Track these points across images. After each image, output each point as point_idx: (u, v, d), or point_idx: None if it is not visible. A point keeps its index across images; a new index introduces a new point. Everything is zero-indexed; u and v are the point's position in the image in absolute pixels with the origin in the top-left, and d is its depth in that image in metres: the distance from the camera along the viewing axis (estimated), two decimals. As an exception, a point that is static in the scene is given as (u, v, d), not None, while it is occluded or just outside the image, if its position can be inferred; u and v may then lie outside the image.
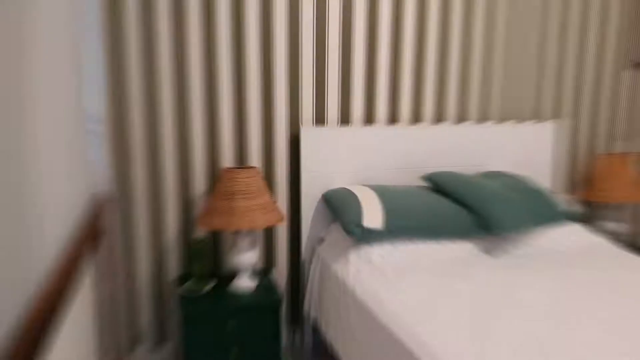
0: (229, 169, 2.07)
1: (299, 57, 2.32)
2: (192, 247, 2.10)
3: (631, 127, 2.92)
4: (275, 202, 2.29)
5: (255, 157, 2.34)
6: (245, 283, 2.15)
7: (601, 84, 2.82)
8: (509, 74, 2.65)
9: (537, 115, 2.74)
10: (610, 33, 2.78)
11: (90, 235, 1.47)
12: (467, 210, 2.14)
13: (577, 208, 2.88)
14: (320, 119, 2.40)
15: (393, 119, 2.50)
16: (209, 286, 2.15)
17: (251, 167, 2.12)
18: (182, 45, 2.16)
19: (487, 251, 2.13)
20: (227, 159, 2.30)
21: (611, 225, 2.64)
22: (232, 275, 2.29)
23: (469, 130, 2.54)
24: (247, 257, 2.12)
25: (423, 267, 1.94)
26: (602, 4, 2.73)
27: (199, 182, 2.28)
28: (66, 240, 1.22)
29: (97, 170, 1.84)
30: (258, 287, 2.17)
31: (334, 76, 2.38)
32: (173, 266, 2.30)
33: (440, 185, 2.25)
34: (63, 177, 1.22)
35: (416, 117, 2.54)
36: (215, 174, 2.29)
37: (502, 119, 2.68)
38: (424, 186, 2.36)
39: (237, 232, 2.12)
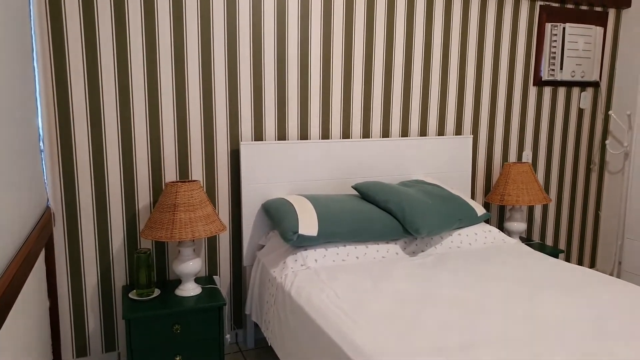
0: (172, 183, 2.21)
1: (237, 76, 2.50)
2: (136, 258, 2.21)
3: (536, 138, 3.30)
4: (217, 213, 2.44)
5: (197, 171, 2.49)
6: (189, 289, 2.29)
7: (512, 100, 3.18)
8: (432, 94, 2.95)
9: (459, 130, 3.05)
10: (519, 55, 3.15)
11: (37, 248, 1.57)
12: (390, 215, 2.38)
13: (488, 211, 3.22)
14: (258, 134, 2.58)
15: (325, 134, 2.73)
16: (154, 294, 2.27)
17: (193, 181, 2.27)
18: (125, 64, 2.28)
19: (409, 252, 2.39)
20: (170, 173, 2.43)
21: (516, 225, 2.98)
22: (177, 282, 2.43)
23: (396, 144, 2.80)
24: (190, 265, 2.27)
25: (353, 268, 2.16)
26: (511, 30, 3.09)
27: (144, 195, 2.40)
28: (13, 252, 1.30)
29: (44, 185, 1.93)
30: (202, 292, 2.32)
31: (270, 95, 2.58)
32: (119, 276, 2.41)
33: (366, 194, 2.49)
34: (11, 190, 1.31)
35: (345, 133, 2.78)
36: (159, 188, 2.42)
37: (424, 133, 2.97)
38: (354, 195, 2.60)
39: (181, 242, 2.26)
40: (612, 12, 3.40)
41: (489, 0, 3.00)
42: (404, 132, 2.92)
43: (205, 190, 2.51)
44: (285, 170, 2.57)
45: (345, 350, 1.52)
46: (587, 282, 1.99)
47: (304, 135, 2.68)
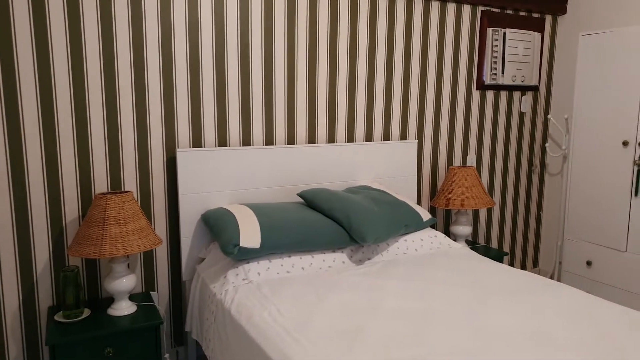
0: (101, 195, 2.05)
1: (173, 78, 2.36)
2: (62, 277, 2.04)
3: (480, 142, 3.34)
4: (152, 225, 2.30)
5: (131, 181, 2.33)
6: (122, 308, 2.13)
7: (456, 104, 3.20)
8: (377, 99, 2.91)
9: (404, 135, 3.03)
10: (462, 60, 3.17)
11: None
12: (337, 223, 2.32)
13: (434, 215, 3.23)
14: (197, 141, 2.45)
15: (269, 140, 2.63)
16: (82, 315, 2.10)
17: (125, 192, 2.12)
18: (47, 65, 2.10)
19: (356, 260, 2.33)
20: (101, 184, 2.26)
21: (462, 229, 3.00)
22: (110, 301, 2.26)
23: (341, 149, 2.75)
24: (124, 283, 2.11)
25: (297, 280, 2.07)
26: (454, 35, 3.11)
27: (72, 208, 2.21)
28: None
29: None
30: (137, 311, 2.16)
31: (209, 98, 2.45)
32: (45, 297, 2.21)
33: (312, 201, 2.42)
34: None
35: (290, 139, 2.69)
36: (89, 200, 2.25)
37: (370, 139, 2.93)
38: (300, 202, 2.52)
39: (113, 258, 2.10)
40: (548, 19, 3.50)
41: (431, 5, 3.00)
42: (350, 138, 2.87)
43: (139, 201, 2.36)
44: (226, 178, 2.45)
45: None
46: (531, 288, 1.99)
47: (246, 141, 2.57)
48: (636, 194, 2.76)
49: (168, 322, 2.51)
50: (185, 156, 2.35)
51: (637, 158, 2.75)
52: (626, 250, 2.84)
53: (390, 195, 2.60)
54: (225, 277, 2.09)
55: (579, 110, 3.05)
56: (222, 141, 2.51)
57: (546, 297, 1.90)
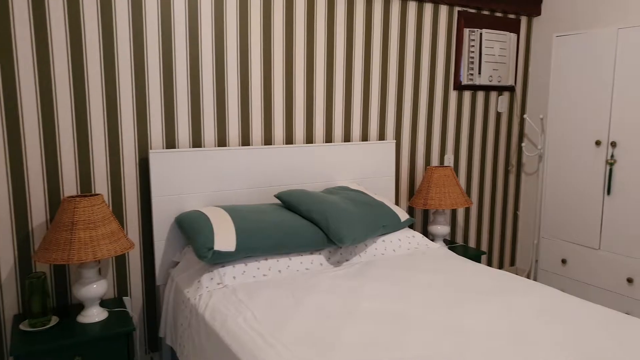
0: (69, 198, 1.98)
1: (145, 76, 2.29)
2: (28, 284, 1.96)
3: (457, 142, 3.35)
4: (124, 229, 2.23)
5: (102, 184, 2.25)
6: (93, 315, 2.06)
7: (433, 104, 3.20)
8: (355, 100, 2.89)
9: (382, 136, 3.02)
10: (439, 60, 3.17)
11: None
12: (314, 224, 2.29)
13: (412, 215, 3.22)
14: (170, 141, 2.39)
15: (245, 141, 2.58)
16: (50, 323, 2.02)
17: (95, 195, 2.05)
18: (11, 63, 2.02)
19: (334, 262, 2.30)
20: (70, 186, 2.19)
21: (440, 229, 3.00)
22: (80, 308, 2.19)
23: (319, 150, 2.72)
24: (94, 289, 2.04)
25: (274, 283, 2.04)
26: (432, 36, 3.10)
27: (39, 212, 2.13)
28: None
29: None
30: (108, 317, 2.10)
31: (183, 98, 2.39)
32: (10, 305, 2.12)
33: (289, 203, 2.38)
34: None
35: (267, 140, 2.65)
36: (57, 203, 2.17)
37: (348, 139, 2.91)
38: (277, 204, 2.48)
39: (82, 264, 2.03)
40: (524, 20, 3.53)
41: (409, 6, 3.00)
42: (328, 138, 2.84)
43: (110, 204, 2.29)
44: (201, 180, 2.40)
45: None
46: (507, 288, 2.00)
47: (221, 141, 2.52)
48: (608, 193, 2.80)
49: (142, 328, 2.44)
50: (159, 157, 2.29)
51: (609, 157, 2.79)
52: (599, 248, 2.88)
53: (368, 195, 2.58)
54: (199, 281, 2.04)
55: (554, 111, 3.08)
56: (197, 142, 2.46)
57: (522, 296, 1.90)
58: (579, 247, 2.98)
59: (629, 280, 2.72)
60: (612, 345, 1.52)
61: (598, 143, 2.83)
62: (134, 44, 2.24)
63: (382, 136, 3.03)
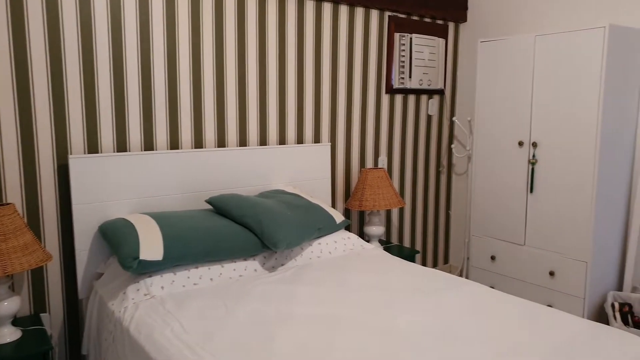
0: (-25, 209, 1.81)
1: (63, 73, 2.15)
2: None
3: (390, 144, 3.41)
4: (41, 240, 2.08)
5: (14, 192, 2.08)
6: (4, 335, 1.90)
7: (367, 107, 3.24)
8: (289, 102, 2.86)
9: (317, 138, 3.01)
10: (371, 64, 3.22)
11: None
12: (247, 229, 2.23)
13: (349, 217, 3.24)
14: (92, 146, 2.26)
15: (174, 144, 2.49)
16: (-45, 347, 1.84)
17: (5, 205, 1.89)
18: None
19: (269, 267, 2.26)
20: (-24, 195, 2.00)
21: (375, 229, 3.04)
22: (-10, 328, 2.00)
23: (253, 153, 2.66)
24: (5, 306, 1.88)
25: (205, 292, 1.96)
26: (363, 40, 3.14)
27: (-62, 225, 1.93)
28: None
29: None
30: (22, 337, 1.94)
31: (106, 100, 2.27)
32: None
33: (221, 208, 2.31)
34: None
35: (198, 143, 2.57)
36: (-40, 214, 1.98)
37: (283, 142, 2.88)
38: (209, 210, 2.40)
39: (-10, 280, 1.86)
40: (451, 26, 3.66)
41: (340, 10, 3.02)
42: (262, 141, 2.80)
43: (25, 214, 2.12)
44: (127, 186, 2.28)
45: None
46: (437, 287, 2.04)
47: (148, 145, 2.41)
48: (531, 191, 2.95)
49: (63, 345, 2.28)
50: (79, 163, 2.15)
51: (531, 157, 2.93)
52: (524, 244, 3.02)
53: (303, 198, 2.56)
54: (124, 293, 1.93)
55: (480, 113, 3.21)
56: (122, 146, 2.33)
57: (451, 294, 1.95)
58: (506, 243, 3.12)
59: (551, 274, 2.87)
60: (532, 335, 1.59)
61: (521, 144, 2.97)
62: (49, 42, 2.10)
63: (317, 139, 3.03)
